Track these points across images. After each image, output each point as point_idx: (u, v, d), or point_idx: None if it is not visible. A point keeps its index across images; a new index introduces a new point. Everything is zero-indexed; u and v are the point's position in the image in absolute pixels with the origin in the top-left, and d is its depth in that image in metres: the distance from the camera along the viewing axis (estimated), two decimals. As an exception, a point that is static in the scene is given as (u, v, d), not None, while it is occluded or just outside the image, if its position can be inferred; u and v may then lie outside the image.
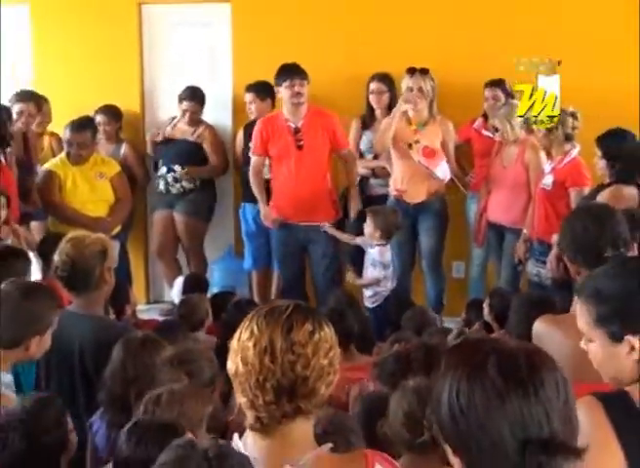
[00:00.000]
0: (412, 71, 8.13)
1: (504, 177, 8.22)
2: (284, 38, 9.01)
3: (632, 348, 3.00)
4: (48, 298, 4.55)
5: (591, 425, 2.83)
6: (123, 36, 9.64)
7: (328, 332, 2.74)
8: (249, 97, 8.93)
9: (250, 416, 2.70)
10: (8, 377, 4.45)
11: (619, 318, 3.05)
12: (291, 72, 7.89)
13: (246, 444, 2.74)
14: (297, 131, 8.02)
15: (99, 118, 9.03)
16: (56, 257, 5.11)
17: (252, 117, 8.84)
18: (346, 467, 2.76)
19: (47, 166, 8.49)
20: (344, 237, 8.29)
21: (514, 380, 2.13)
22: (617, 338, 3.04)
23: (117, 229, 8.47)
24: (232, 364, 2.72)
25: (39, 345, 4.42)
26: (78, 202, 8.32)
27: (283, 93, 7.96)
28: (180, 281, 8.30)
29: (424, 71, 8.15)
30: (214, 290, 8.50)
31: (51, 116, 9.06)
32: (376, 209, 8.03)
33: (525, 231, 7.97)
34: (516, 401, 2.11)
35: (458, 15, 8.99)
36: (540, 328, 4.21)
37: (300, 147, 8.04)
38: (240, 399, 2.72)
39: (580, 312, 3.15)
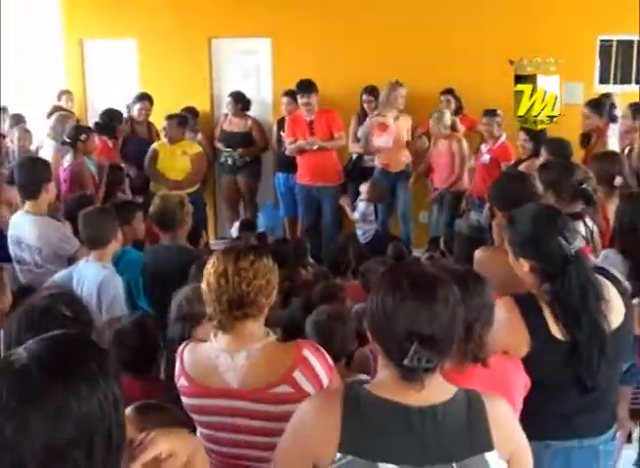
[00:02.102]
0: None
1: (440, 161, 8.30)
2: (307, 60, 8.93)
3: (525, 266, 2.94)
4: (114, 212, 4.76)
5: (505, 313, 2.82)
6: (199, 60, 9.62)
7: (266, 262, 2.72)
8: (285, 99, 8.81)
9: (214, 321, 2.71)
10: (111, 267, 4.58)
11: (516, 246, 2.99)
12: (302, 89, 8.07)
13: (217, 339, 2.73)
14: (310, 123, 8.08)
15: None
16: (151, 208, 5.20)
17: (284, 114, 8.77)
18: (282, 350, 2.73)
19: (154, 145, 8.47)
20: (348, 211, 8.27)
21: (416, 291, 2.03)
22: (516, 257, 2.99)
23: (196, 187, 8.32)
24: (203, 285, 2.74)
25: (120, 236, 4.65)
26: (166, 169, 8.25)
27: (299, 100, 8.10)
28: (237, 224, 8.35)
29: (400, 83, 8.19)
30: (260, 229, 8.46)
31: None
32: (375, 182, 8.09)
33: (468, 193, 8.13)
34: (413, 304, 2.00)
35: (425, 40, 8.83)
36: (481, 255, 4.06)
37: (312, 134, 8.14)
38: (207, 309, 2.73)
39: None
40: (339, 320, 3.74)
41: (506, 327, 2.80)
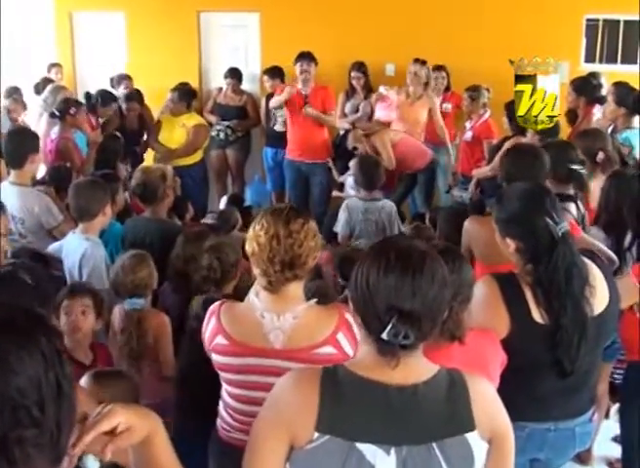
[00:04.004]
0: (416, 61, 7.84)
1: None
2: (295, 37, 8.73)
3: (511, 246, 2.85)
4: (106, 186, 4.69)
5: (486, 293, 2.75)
6: (188, 34, 9.48)
7: (313, 225, 2.76)
8: (265, 77, 8.74)
9: (263, 281, 2.70)
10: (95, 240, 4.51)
11: (502, 224, 2.91)
12: (302, 56, 7.79)
13: (259, 299, 2.74)
14: (306, 97, 7.83)
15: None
16: (132, 181, 5.15)
17: (269, 90, 8.66)
18: (326, 313, 2.76)
19: (159, 116, 8.46)
20: (335, 174, 8.10)
21: (401, 264, 1.93)
22: (502, 236, 2.91)
23: (196, 160, 8.30)
24: (249, 247, 2.73)
25: (109, 211, 4.57)
26: (165, 141, 8.21)
27: (298, 69, 7.82)
28: (224, 198, 8.10)
29: (423, 62, 7.85)
30: (248, 203, 8.22)
31: None
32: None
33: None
34: (396, 277, 1.91)
35: (415, 18, 8.68)
36: (469, 225, 4.02)
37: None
38: (255, 270, 2.74)
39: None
40: (326, 297, 3.65)
41: (486, 306, 2.73)
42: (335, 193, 8.15)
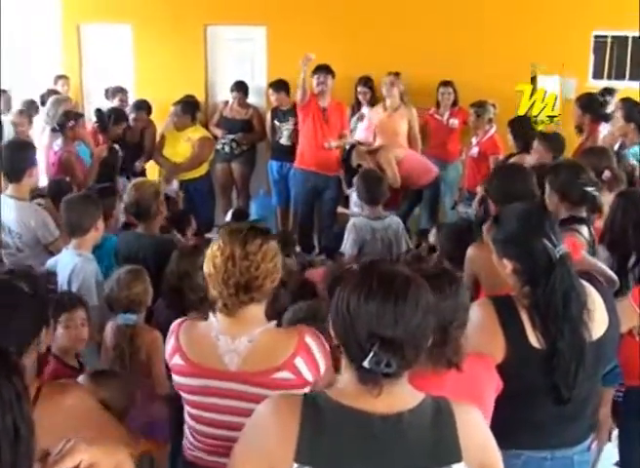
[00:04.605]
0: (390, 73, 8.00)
1: None
2: (302, 50, 8.35)
3: (508, 267, 2.76)
4: (98, 201, 4.59)
5: (482, 316, 2.67)
6: (195, 48, 9.47)
7: (273, 245, 2.66)
8: (270, 91, 8.68)
9: (219, 303, 2.63)
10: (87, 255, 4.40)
11: (499, 244, 2.82)
12: (319, 69, 7.83)
13: (217, 320, 2.66)
14: (324, 109, 7.84)
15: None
16: (125, 197, 5.04)
17: (274, 104, 8.63)
18: (285, 336, 2.66)
19: (162, 131, 8.42)
20: (345, 187, 8.02)
21: (384, 290, 1.87)
22: (499, 257, 2.82)
23: (202, 173, 8.33)
24: (206, 267, 2.66)
25: (101, 225, 4.47)
26: (170, 155, 8.20)
27: (315, 81, 7.84)
28: (230, 212, 8.03)
29: (397, 73, 8.00)
30: (253, 217, 8.20)
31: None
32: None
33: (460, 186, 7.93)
34: (378, 304, 1.85)
35: (422, 33, 8.59)
36: (473, 252, 3.93)
37: (326, 121, 7.89)
38: (211, 291, 2.65)
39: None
40: (316, 318, 3.57)
41: (481, 329, 2.63)
42: (339, 209, 8.08)
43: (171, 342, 2.74)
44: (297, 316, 3.58)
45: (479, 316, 2.65)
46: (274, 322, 2.70)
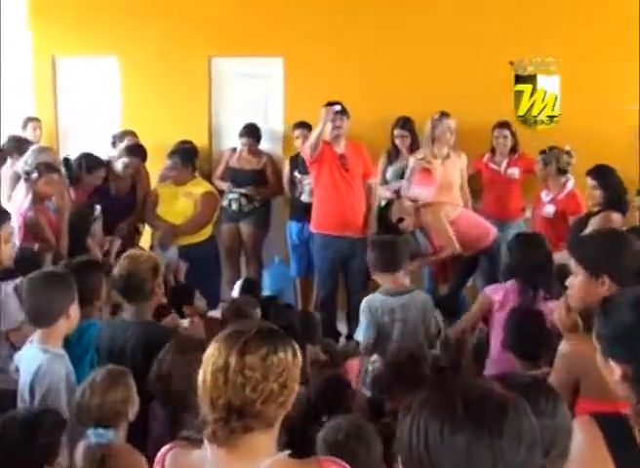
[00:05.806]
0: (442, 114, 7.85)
1: None
2: (326, 86, 8.67)
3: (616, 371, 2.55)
4: (69, 279, 4.33)
5: (584, 442, 2.47)
6: (196, 83, 9.46)
7: (282, 357, 2.45)
8: (297, 132, 8.62)
9: (207, 429, 2.46)
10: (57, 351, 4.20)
11: (606, 342, 2.61)
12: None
13: (210, 451, 2.49)
14: (342, 156, 7.73)
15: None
16: (115, 270, 4.80)
17: (299, 149, 8.49)
18: None
19: (155, 186, 8.46)
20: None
21: (473, 419, 1.73)
22: (604, 358, 2.62)
23: (205, 236, 8.27)
24: (200, 376, 2.50)
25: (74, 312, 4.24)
26: (164, 214, 8.15)
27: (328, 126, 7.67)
28: (238, 284, 7.85)
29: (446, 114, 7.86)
30: (266, 292, 8.15)
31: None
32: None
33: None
34: (468, 438, 1.72)
35: (468, 67, 8.55)
36: (571, 347, 3.72)
37: (346, 170, 7.76)
38: (202, 410, 2.49)
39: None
40: (361, 441, 3.31)
41: (585, 460, 2.42)
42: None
43: None
44: (335, 437, 3.34)
45: (581, 441, 2.44)
46: (286, 452, 2.49)
